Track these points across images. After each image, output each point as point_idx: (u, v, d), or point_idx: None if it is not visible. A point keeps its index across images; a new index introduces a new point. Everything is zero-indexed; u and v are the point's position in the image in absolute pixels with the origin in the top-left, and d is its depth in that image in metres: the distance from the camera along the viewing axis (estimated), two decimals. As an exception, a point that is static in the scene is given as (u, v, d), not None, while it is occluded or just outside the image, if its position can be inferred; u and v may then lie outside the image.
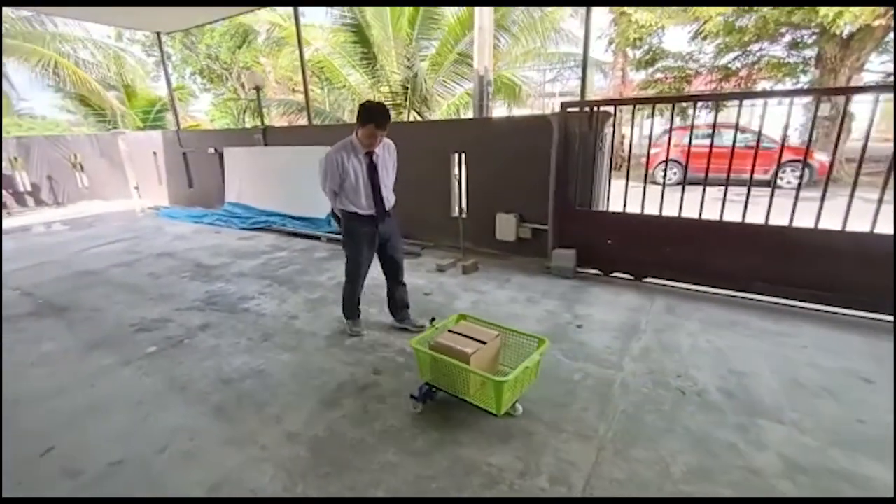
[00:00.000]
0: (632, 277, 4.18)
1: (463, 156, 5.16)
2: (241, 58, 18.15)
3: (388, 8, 7.69)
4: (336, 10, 7.42)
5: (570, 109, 4.15)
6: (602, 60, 16.51)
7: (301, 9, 6.23)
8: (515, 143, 4.70)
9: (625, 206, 4.04)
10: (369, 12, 7.42)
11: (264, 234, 6.55)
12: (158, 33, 8.29)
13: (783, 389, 2.46)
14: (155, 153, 8.98)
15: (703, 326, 3.25)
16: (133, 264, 5.16)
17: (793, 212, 3.37)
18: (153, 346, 3.16)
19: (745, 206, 3.54)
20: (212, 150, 7.88)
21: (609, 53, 15.17)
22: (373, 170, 2.87)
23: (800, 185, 3.47)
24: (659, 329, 3.23)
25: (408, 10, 7.91)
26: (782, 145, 3.63)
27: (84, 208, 9.37)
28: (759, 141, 3.64)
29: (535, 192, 4.57)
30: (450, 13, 7.92)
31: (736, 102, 3.65)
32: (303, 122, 12.89)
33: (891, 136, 9.18)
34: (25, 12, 11.78)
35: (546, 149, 4.36)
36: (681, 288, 3.94)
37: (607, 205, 4.19)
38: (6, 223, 7.94)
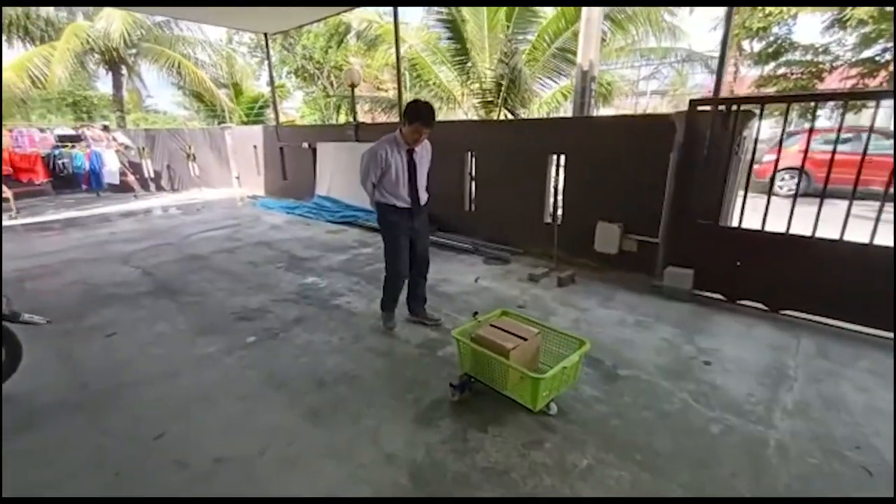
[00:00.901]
0: (765, 308, 3.54)
1: (562, 158, 4.78)
2: (332, 57, 19.14)
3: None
4: (434, 7, 7.35)
5: (701, 108, 3.60)
6: (708, 54, 14.96)
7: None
8: (623, 144, 4.23)
9: (764, 222, 3.43)
10: (466, 8, 7.25)
11: (350, 228, 6.66)
12: (266, 34, 8.83)
13: None
14: (255, 146, 9.62)
15: (876, 379, 2.61)
16: (234, 251, 5.47)
17: None
18: (252, 336, 3.23)
19: (941, 233, 2.81)
20: (305, 144, 8.23)
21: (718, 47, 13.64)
22: (412, 166, 2.99)
23: None
24: (815, 377, 2.64)
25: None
26: None
27: (194, 195, 10.32)
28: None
29: (645, 201, 4.08)
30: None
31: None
32: (382, 118, 13.18)
33: None
34: (159, 17, 13.30)
35: (662, 152, 3.85)
36: (833, 326, 3.25)
37: (739, 220, 3.59)
38: (134, 205, 8.96)
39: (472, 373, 2.41)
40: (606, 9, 6.88)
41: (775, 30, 9.78)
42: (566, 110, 8.87)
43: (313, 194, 8.13)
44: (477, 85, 7.90)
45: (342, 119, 21.95)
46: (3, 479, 1.90)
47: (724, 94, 3.82)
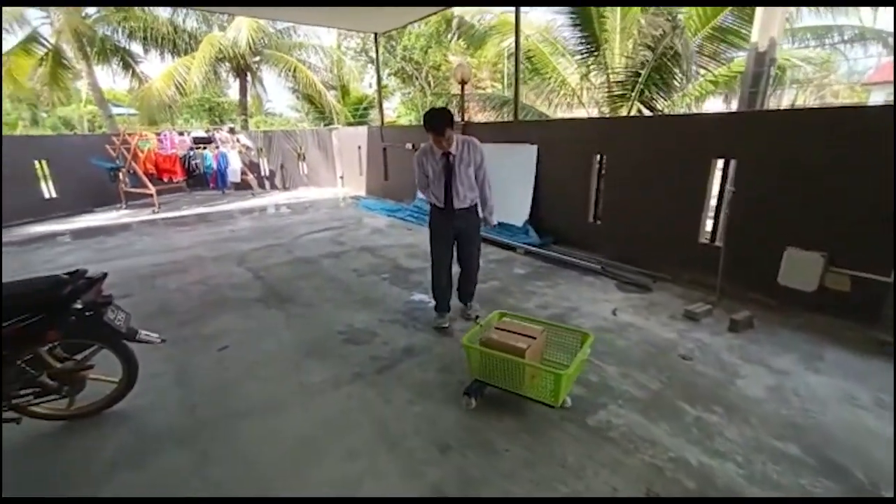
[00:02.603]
0: None
1: (730, 163, 3.76)
2: (430, 57, 19.17)
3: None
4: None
5: None
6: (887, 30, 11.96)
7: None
8: (823, 146, 3.13)
9: None
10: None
11: (454, 235, 6.21)
12: (375, 34, 8.78)
13: None
14: (359, 147, 9.70)
15: None
16: (340, 256, 5.30)
17: None
18: (359, 367, 2.84)
19: None
20: (409, 145, 7.99)
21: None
22: (448, 169, 3.08)
23: None
24: None
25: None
26: None
27: (303, 194, 10.77)
28: None
29: (865, 224, 2.95)
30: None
31: None
32: (480, 117, 12.63)
33: None
34: (281, 25, 14.30)
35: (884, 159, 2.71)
36: None
37: None
38: (252, 203, 9.55)
39: (483, 377, 2.39)
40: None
41: None
42: (712, 103, 7.45)
43: (414, 197, 7.87)
44: (602, 77, 6.91)
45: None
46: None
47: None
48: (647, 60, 5.94)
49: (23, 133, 18.59)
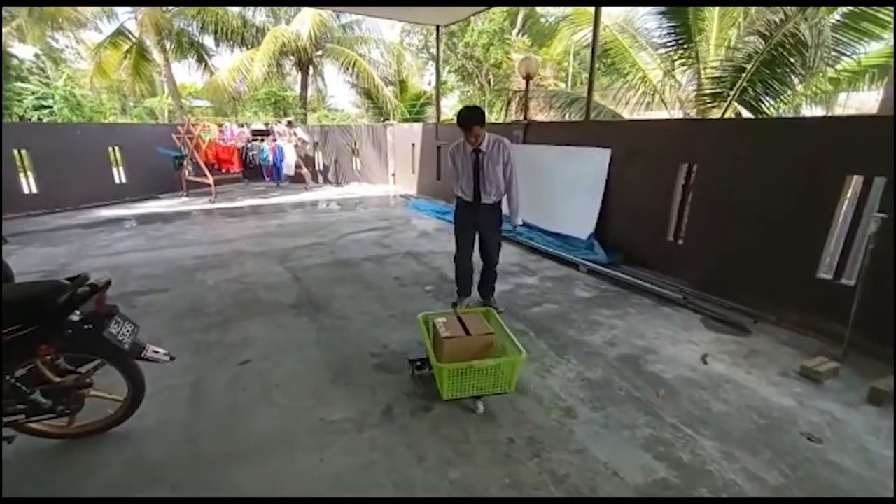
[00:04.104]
0: None
1: (872, 182, 2.93)
2: (492, 55, 18.62)
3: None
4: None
5: None
6: None
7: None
8: None
9: None
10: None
11: (505, 244, 5.63)
12: (438, 26, 8.38)
13: None
14: (413, 144, 9.37)
15: None
16: (382, 261, 4.94)
17: None
18: (390, 403, 2.41)
19: None
20: (465, 144, 7.52)
21: None
22: (477, 164, 3.23)
23: None
24: None
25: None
26: None
27: (354, 190, 10.65)
28: None
29: None
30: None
31: None
32: (542, 116, 11.88)
33: None
34: (344, 19, 14.35)
35: None
36: None
37: None
38: (304, 196, 9.53)
39: (427, 354, 2.45)
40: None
41: None
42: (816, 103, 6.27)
43: (466, 199, 7.38)
44: (691, 73, 6.01)
45: (494, 118, 21.47)
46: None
47: None
48: (757, 52, 4.97)
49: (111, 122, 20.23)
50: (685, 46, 5.79)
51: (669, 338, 3.18)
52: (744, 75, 5.12)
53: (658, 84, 6.63)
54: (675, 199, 4.25)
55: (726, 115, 5.46)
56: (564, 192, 5.36)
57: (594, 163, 4.97)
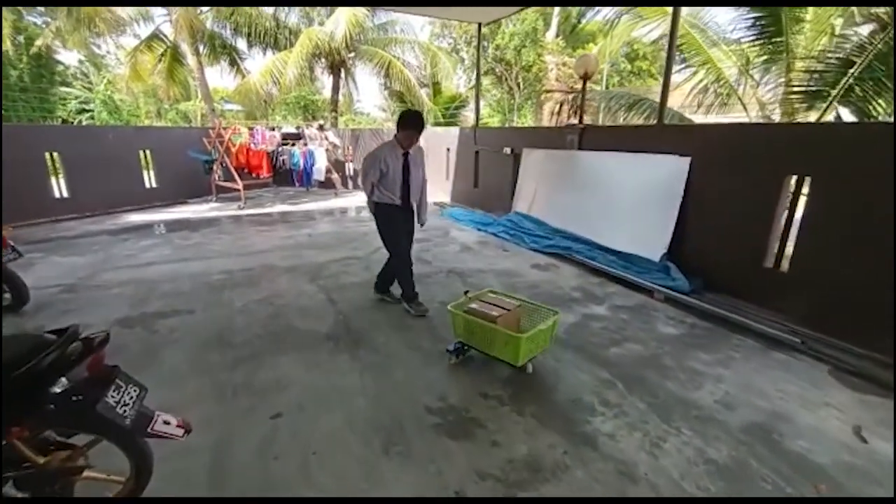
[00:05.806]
0: None
1: None
2: (524, 57, 18.03)
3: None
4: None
5: None
6: None
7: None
8: None
9: None
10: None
11: (561, 262, 5.05)
12: (479, 24, 7.87)
13: None
14: (448, 149, 8.85)
15: None
16: (424, 281, 4.40)
17: None
18: (456, 490, 1.86)
19: None
20: (507, 150, 6.96)
21: None
22: (406, 167, 3.40)
23: None
24: None
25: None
26: None
27: (384, 195, 10.20)
28: None
29: None
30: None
31: None
32: (585, 119, 11.15)
33: None
34: (378, 19, 14.03)
35: None
36: None
37: None
38: (334, 203, 9.15)
39: (465, 340, 2.76)
40: None
41: None
42: None
43: (509, 209, 6.82)
44: (779, 69, 5.24)
45: (523, 122, 20.82)
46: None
47: None
48: (871, 42, 4.21)
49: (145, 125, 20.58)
50: (773, 39, 5.02)
51: (798, 397, 2.53)
52: (852, 70, 4.34)
53: (734, 83, 5.88)
54: (778, 218, 3.57)
55: (824, 118, 4.70)
56: (631, 204, 4.73)
57: (669, 172, 4.32)
